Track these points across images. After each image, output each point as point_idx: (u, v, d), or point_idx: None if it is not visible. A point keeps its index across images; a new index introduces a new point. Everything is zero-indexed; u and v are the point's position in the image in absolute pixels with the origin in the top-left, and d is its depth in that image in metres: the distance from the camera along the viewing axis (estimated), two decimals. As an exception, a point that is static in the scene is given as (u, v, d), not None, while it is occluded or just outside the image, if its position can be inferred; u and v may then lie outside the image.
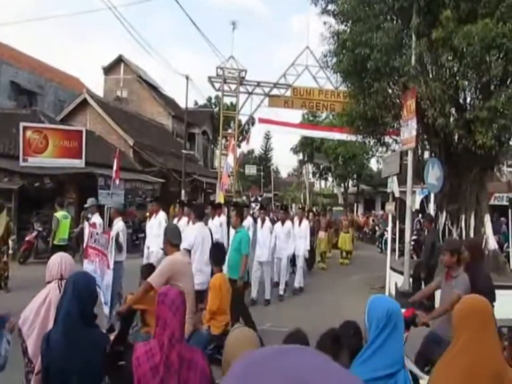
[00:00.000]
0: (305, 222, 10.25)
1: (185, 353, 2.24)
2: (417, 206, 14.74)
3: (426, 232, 9.14)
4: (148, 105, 27.34)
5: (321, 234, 13.82)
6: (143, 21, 76.98)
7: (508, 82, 8.22)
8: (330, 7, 10.09)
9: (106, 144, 19.26)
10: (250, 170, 46.42)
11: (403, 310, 2.87)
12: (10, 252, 9.19)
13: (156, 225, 7.94)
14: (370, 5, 9.19)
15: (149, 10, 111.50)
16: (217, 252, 4.98)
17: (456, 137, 8.72)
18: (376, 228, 21.85)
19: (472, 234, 9.08)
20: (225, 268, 7.14)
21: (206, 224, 7.24)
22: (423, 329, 3.95)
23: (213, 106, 41.06)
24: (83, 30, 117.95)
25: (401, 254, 10.77)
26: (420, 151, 10.09)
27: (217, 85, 18.75)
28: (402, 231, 9.74)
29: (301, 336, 2.49)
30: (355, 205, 31.98)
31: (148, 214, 10.01)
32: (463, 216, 9.18)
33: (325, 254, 14.01)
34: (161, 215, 8.12)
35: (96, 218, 7.45)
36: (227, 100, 28.54)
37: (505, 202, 12.78)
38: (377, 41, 8.42)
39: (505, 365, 1.94)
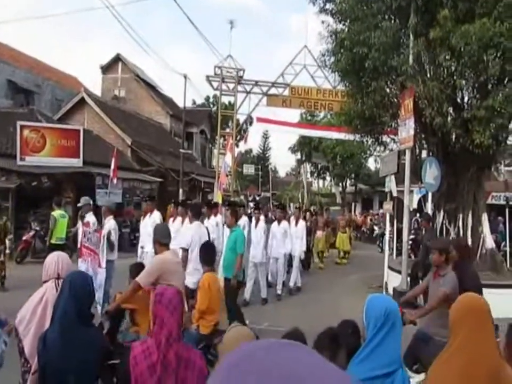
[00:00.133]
0: (301, 222, 10.21)
1: (182, 353, 2.24)
2: (415, 205, 14.74)
3: (424, 232, 9.16)
4: (145, 104, 27.29)
5: (319, 233, 13.82)
6: (141, 19, 76.75)
7: (505, 81, 8.23)
8: (329, 6, 10.10)
9: (104, 143, 19.22)
10: (248, 169, 46.40)
11: None
12: (7, 251, 9.16)
13: (150, 224, 7.84)
14: (368, 4, 9.19)
15: (147, 9, 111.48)
16: (207, 252, 4.97)
17: (453, 136, 8.74)
18: (375, 227, 21.86)
19: (469, 234, 9.10)
20: (221, 267, 7.19)
21: (202, 223, 7.21)
22: (411, 328, 3.97)
23: (211, 106, 41.00)
24: (81, 28, 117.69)
25: (399, 253, 10.80)
26: (417, 150, 10.11)
27: (215, 84, 18.73)
28: (400, 230, 9.76)
29: (298, 335, 2.49)
30: (353, 204, 32.01)
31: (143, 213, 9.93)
32: (461, 215, 9.20)
33: (322, 253, 14.01)
34: (156, 214, 7.94)
35: (90, 217, 7.29)
36: (225, 99, 28.45)
37: (502, 202, 12.81)
38: (375, 41, 8.42)
39: (502, 362, 1.94)
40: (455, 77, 8.29)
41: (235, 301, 6.64)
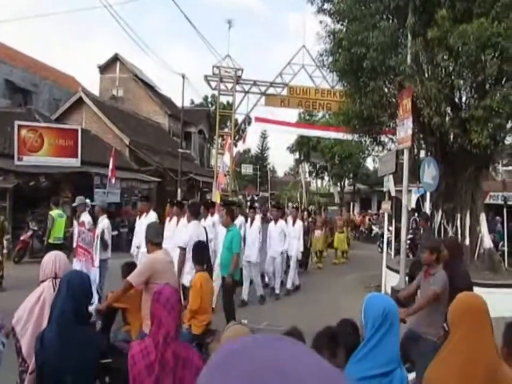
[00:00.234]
0: (299, 222, 10.19)
1: (180, 352, 2.24)
2: (413, 205, 14.76)
3: (422, 231, 9.17)
4: (144, 104, 27.25)
5: (317, 233, 13.81)
6: (139, 19, 76.87)
7: (503, 81, 8.25)
8: (327, 6, 10.10)
9: (102, 143, 19.18)
10: (247, 169, 46.44)
11: None
12: (5, 251, 9.14)
13: (146, 224, 7.76)
14: (366, 4, 9.20)
15: (145, 8, 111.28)
16: (199, 251, 4.96)
17: (451, 136, 8.75)
18: (373, 227, 21.86)
19: (467, 233, 9.12)
20: (217, 266, 7.18)
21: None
22: (402, 326, 3.98)
23: (209, 105, 41.00)
24: (78, 28, 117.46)
25: (397, 252, 10.81)
26: (415, 150, 10.12)
27: (213, 84, 18.72)
28: (398, 230, 9.77)
29: (297, 334, 2.49)
30: (351, 204, 32.05)
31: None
32: (459, 215, 9.21)
33: (321, 253, 14.00)
34: (152, 214, 7.80)
35: (84, 217, 7.20)
36: (223, 99, 28.45)
37: (500, 201, 12.84)
38: (373, 40, 8.43)
39: (500, 362, 1.95)
40: (453, 77, 8.31)
41: (231, 299, 6.63)
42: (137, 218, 8.47)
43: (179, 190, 20.21)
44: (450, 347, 2.04)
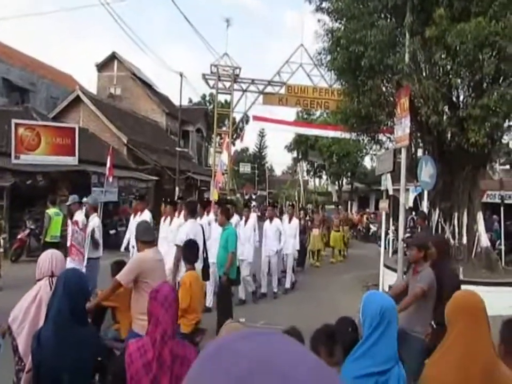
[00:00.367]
0: (295, 220, 10.18)
1: (177, 350, 2.23)
2: (410, 204, 14.81)
3: (419, 230, 9.19)
4: (141, 102, 27.20)
5: (315, 231, 13.81)
6: (137, 17, 76.67)
7: (501, 80, 8.27)
8: (325, 4, 10.10)
9: (99, 142, 19.14)
10: (245, 168, 46.47)
11: None
12: (1, 250, 9.12)
13: None
14: (365, 3, 9.20)
15: (143, 7, 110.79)
16: (190, 250, 4.96)
17: (449, 135, 8.77)
18: (371, 226, 21.88)
19: (464, 232, 9.15)
20: (212, 265, 7.16)
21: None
22: None
23: (207, 104, 40.99)
24: (76, 26, 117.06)
25: (395, 251, 10.84)
26: (413, 149, 10.14)
27: (211, 83, 18.73)
28: (396, 229, 9.78)
29: (296, 334, 2.49)
30: (349, 202, 32.10)
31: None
32: (456, 214, 9.24)
33: (319, 252, 13.99)
34: (146, 213, 7.73)
35: (78, 216, 7.10)
36: (221, 98, 28.51)
37: (497, 200, 12.88)
38: (371, 39, 8.43)
39: (497, 359, 1.95)
40: (450, 76, 8.32)
41: (227, 298, 6.62)
42: (132, 217, 8.44)
43: (177, 189, 20.20)
44: (447, 345, 2.04)
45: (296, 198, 19.80)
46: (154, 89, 29.40)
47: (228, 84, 18.87)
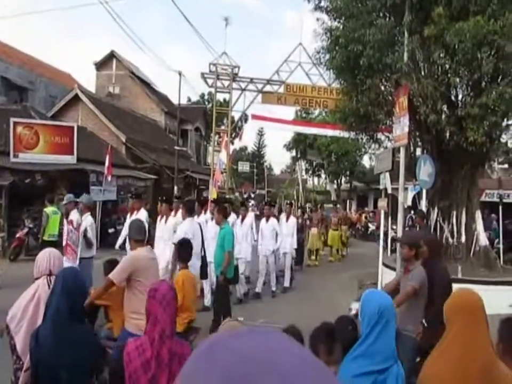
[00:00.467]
0: (292, 219, 10.11)
1: (176, 349, 2.23)
2: (409, 203, 14.82)
3: (418, 228, 9.19)
4: (140, 101, 27.15)
5: (313, 230, 13.81)
6: (136, 16, 76.47)
7: (499, 79, 8.27)
8: (323, 3, 10.08)
9: (98, 141, 19.10)
10: (243, 167, 46.47)
11: None
12: (0, 249, 9.09)
13: None
14: (363, 2, 9.19)
15: (141, 5, 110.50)
16: (183, 249, 4.95)
17: (447, 134, 8.78)
18: (369, 225, 21.90)
19: (463, 231, 9.16)
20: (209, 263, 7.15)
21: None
22: None
23: (206, 103, 40.94)
24: (74, 25, 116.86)
25: (393, 250, 10.85)
26: (412, 148, 10.14)
27: (210, 81, 18.71)
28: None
29: (295, 332, 2.49)
30: (348, 201, 32.13)
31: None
32: (455, 213, 9.25)
33: (317, 251, 13.98)
34: (142, 212, 7.62)
35: (73, 216, 6.99)
36: (220, 97, 28.44)
37: (495, 199, 12.90)
38: (370, 38, 8.42)
39: (495, 358, 1.95)
40: (449, 75, 8.33)
41: (225, 297, 6.61)
42: (128, 215, 8.39)
43: (175, 188, 20.19)
44: (446, 343, 2.04)
45: (295, 197, 19.82)
46: (153, 88, 29.36)
47: (226, 83, 18.85)
